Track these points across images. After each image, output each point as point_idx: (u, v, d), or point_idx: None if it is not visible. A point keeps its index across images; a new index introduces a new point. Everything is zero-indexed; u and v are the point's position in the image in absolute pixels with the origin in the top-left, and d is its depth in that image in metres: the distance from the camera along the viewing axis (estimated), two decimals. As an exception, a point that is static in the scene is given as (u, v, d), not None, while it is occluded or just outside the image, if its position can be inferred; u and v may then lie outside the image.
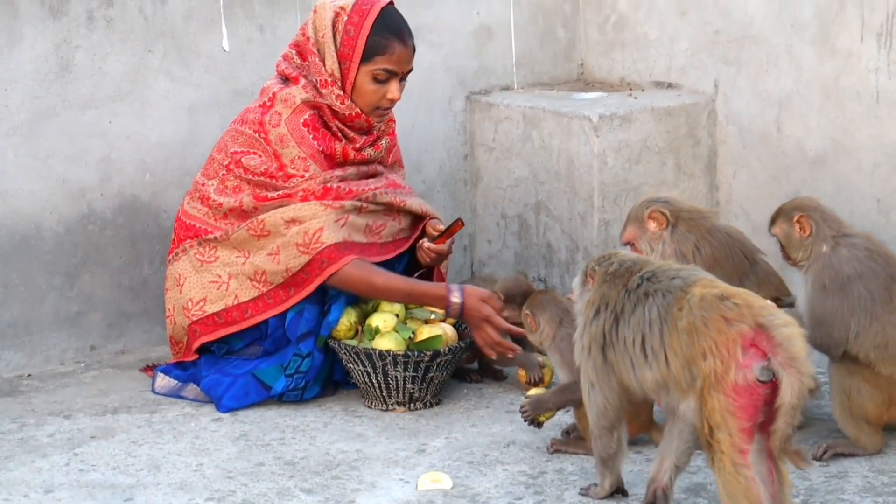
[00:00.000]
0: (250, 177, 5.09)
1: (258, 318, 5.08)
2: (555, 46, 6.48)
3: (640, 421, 4.55)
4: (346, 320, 5.01)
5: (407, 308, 5.11)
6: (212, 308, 5.12)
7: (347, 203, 5.06)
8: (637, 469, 4.48)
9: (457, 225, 5.19)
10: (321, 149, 5.10)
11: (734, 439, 3.85)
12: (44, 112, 5.37)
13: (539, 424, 4.60)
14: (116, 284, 5.56)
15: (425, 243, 5.21)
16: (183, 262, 5.16)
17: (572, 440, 4.62)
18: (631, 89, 6.32)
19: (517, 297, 5.06)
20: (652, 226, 4.65)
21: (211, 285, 5.11)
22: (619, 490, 4.26)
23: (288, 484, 4.42)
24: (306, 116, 5.10)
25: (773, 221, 4.77)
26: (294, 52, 5.18)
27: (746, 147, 5.99)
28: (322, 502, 4.29)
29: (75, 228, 5.47)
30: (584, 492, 4.28)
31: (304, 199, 5.05)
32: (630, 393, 4.10)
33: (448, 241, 5.21)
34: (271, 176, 5.08)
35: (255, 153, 5.09)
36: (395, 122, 5.38)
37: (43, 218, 5.41)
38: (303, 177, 5.06)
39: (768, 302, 4.00)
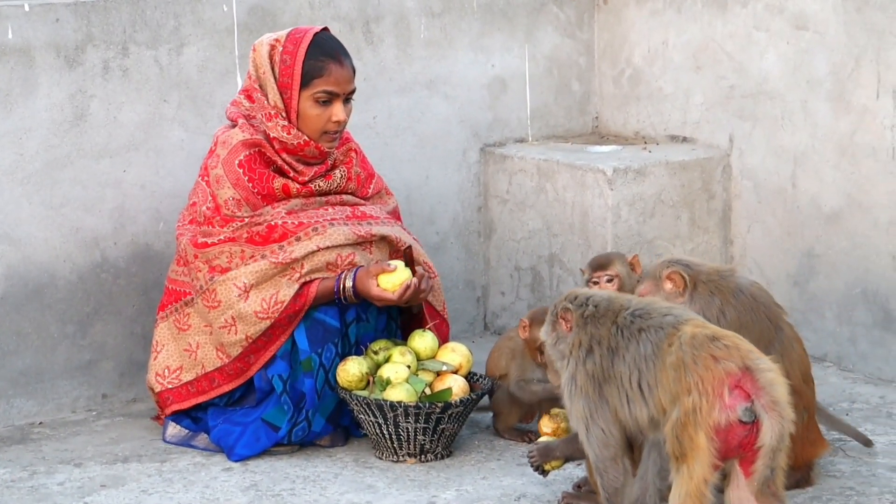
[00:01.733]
0: (195, 225, 5.12)
1: (225, 388, 5.13)
2: (570, 99, 6.49)
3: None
4: (358, 370, 5.00)
5: (419, 360, 5.10)
6: (186, 377, 5.16)
7: (298, 250, 5.03)
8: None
9: (408, 253, 5.11)
10: (255, 190, 5.10)
11: (703, 471, 3.91)
12: (58, 161, 5.39)
13: (545, 473, 4.57)
14: (129, 333, 5.55)
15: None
16: (162, 329, 5.21)
17: (584, 494, 4.59)
18: (646, 143, 6.32)
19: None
20: (668, 286, 4.62)
21: (185, 353, 5.15)
22: None
23: (298, 535, 4.40)
24: (241, 157, 5.10)
25: (605, 266, 4.95)
26: (243, 96, 5.20)
27: (761, 202, 5.98)
28: (332, 554, 4.27)
29: (88, 277, 5.48)
30: None
31: (250, 240, 5.05)
32: (626, 431, 4.11)
33: (419, 270, 5.14)
34: (209, 221, 5.09)
35: (199, 199, 5.14)
36: (357, 151, 5.32)
37: (56, 266, 5.41)
38: (241, 220, 5.07)
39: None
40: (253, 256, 5.05)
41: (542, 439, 4.69)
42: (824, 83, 5.74)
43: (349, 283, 5.01)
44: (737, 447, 3.94)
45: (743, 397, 3.90)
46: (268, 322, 5.00)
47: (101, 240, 5.49)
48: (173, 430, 5.18)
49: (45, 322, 5.41)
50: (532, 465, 4.56)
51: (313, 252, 5.04)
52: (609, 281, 4.97)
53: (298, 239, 5.06)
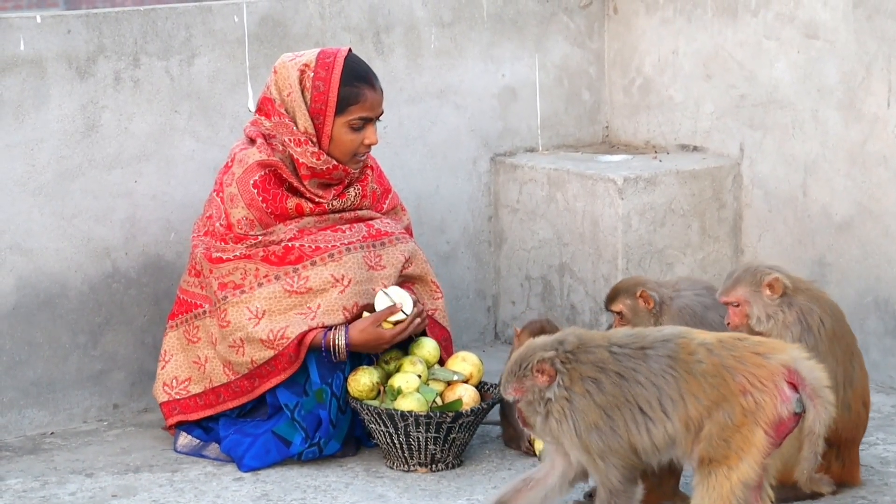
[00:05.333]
0: (210, 238, 5.12)
1: (230, 405, 5.13)
2: (580, 108, 6.49)
3: (663, 490, 4.52)
4: (369, 380, 5.00)
5: (429, 368, 5.10)
6: (195, 389, 5.17)
7: (313, 277, 5.03)
8: (660, 533, 4.45)
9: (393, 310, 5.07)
10: (269, 210, 5.09)
11: (750, 472, 3.96)
12: (70, 171, 5.40)
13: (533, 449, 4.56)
14: (140, 343, 5.56)
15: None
16: (171, 338, 5.22)
17: (592, 503, 4.58)
18: (656, 152, 6.32)
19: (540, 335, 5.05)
20: (767, 293, 4.58)
21: (194, 365, 5.16)
22: None
23: (308, 545, 4.40)
24: (257, 177, 5.09)
25: (610, 300, 4.93)
26: (261, 116, 5.18)
27: (772, 211, 5.98)
28: (342, 564, 4.27)
29: (99, 287, 5.49)
30: None
31: (266, 259, 5.05)
32: (636, 456, 4.10)
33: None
34: (222, 237, 5.10)
35: (214, 213, 5.13)
36: (374, 168, 5.31)
37: (68, 276, 5.42)
38: (255, 239, 5.07)
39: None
40: (267, 276, 5.05)
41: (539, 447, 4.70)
42: (835, 92, 5.74)
43: (340, 342, 4.99)
44: (782, 439, 3.99)
45: (793, 389, 3.96)
46: (272, 352, 5.00)
47: (113, 250, 5.50)
48: (184, 440, 5.18)
49: (56, 332, 5.42)
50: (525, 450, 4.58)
51: (328, 290, 5.03)
52: (617, 315, 4.95)
53: (314, 263, 5.05)
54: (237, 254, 5.08)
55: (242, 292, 5.05)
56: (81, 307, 5.46)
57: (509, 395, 4.21)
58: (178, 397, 5.18)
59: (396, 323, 4.99)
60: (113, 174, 5.48)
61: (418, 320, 5.04)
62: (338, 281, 5.04)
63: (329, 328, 4.99)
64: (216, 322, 5.09)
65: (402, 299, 5.03)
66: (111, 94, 5.45)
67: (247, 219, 5.09)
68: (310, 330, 4.98)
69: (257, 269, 5.06)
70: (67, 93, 5.38)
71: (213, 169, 5.54)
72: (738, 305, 4.58)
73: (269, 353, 5.00)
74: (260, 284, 5.04)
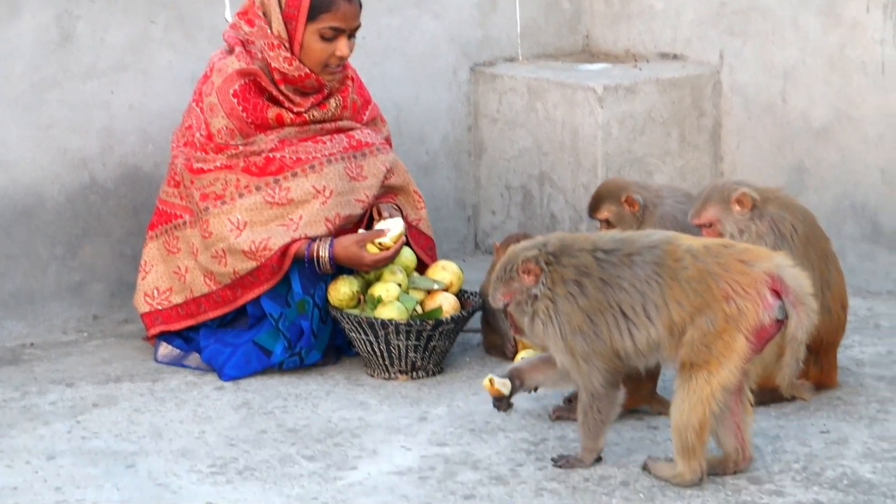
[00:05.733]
0: (190, 148, 5.10)
1: (211, 315, 5.13)
2: (560, 17, 6.46)
3: (641, 393, 4.54)
4: (349, 290, 5.00)
5: (409, 277, 5.11)
6: (176, 299, 5.17)
7: (294, 189, 5.01)
8: (639, 436, 4.47)
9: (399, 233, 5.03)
10: (249, 120, 5.07)
11: (730, 377, 3.99)
12: (45, 82, 5.36)
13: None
14: (119, 254, 5.55)
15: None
16: (151, 249, 5.21)
17: (574, 406, 4.60)
18: (636, 61, 6.30)
19: None
20: (737, 208, 4.59)
21: (174, 276, 5.15)
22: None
23: (290, 451, 4.42)
24: (236, 87, 5.07)
25: (595, 208, 4.91)
26: (242, 20, 5.15)
27: (751, 118, 5.97)
28: (324, 469, 4.29)
29: (77, 198, 5.47)
30: (565, 464, 4.25)
31: (246, 170, 5.04)
32: (619, 359, 4.12)
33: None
34: (203, 147, 5.08)
35: (194, 123, 5.11)
36: (354, 79, 5.28)
37: (45, 188, 5.40)
38: (235, 148, 5.05)
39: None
40: (248, 187, 5.03)
41: (525, 353, 4.71)
42: (814, -3, 5.72)
43: (324, 254, 4.99)
44: (764, 345, 4.01)
45: (776, 296, 3.98)
46: (255, 263, 4.99)
47: (90, 161, 5.48)
48: (165, 349, 5.19)
49: (34, 244, 5.41)
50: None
51: (309, 201, 5.02)
52: (603, 222, 4.93)
53: (295, 175, 5.04)
54: (218, 164, 5.06)
55: (224, 203, 5.04)
56: (59, 218, 5.44)
57: (499, 302, 4.22)
58: (159, 307, 5.18)
59: (382, 247, 4.97)
60: (89, 85, 5.44)
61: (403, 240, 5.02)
62: (319, 192, 5.03)
63: (313, 239, 4.99)
64: (198, 232, 5.08)
65: (393, 227, 5.00)
66: (86, 4, 5.41)
67: (227, 128, 5.07)
68: (293, 241, 4.98)
69: (238, 180, 5.05)
70: (41, 3, 5.33)
71: (190, 80, 5.51)
72: (710, 226, 4.59)
73: (252, 264, 5.00)
74: (241, 195, 5.03)
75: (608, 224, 4.91)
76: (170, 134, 5.38)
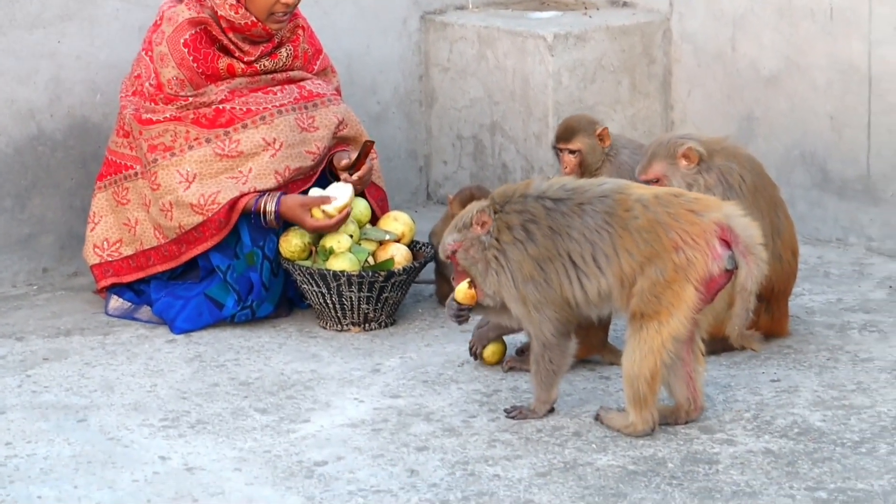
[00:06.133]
0: (139, 98, 5.06)
1: (159, 268, 5.11)
2: (509, -35, 6.43)
3: (592, 342, 4.56)
4: (301, 241, 4.99)
5: (361, 228, 5.09)
6: (126, 251, 5.14)
7: (244, 140, 4.99)
8: (591, 386, 4.50)
9: (367, 147, 5.07)
10: (200, 70, 5.04)
11: (680, 327, 4.00)
12: (-9, 32, 5.31)
13: (480, 357, 4.61)
14: (68, 206, 5.51)
15: (349, 178, 5.07)
16: (100, 199, 5.17)
17: (527, 358, 4.62)
18: (586, 8, 6.29)
19: None
20: (684, 163, 4.59)
21: (124, 227, 5.12)
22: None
23: (242, 404, 4.42)
24: (187, 36, 5.03)
25: (568, 138, 4.89)
26: None
27: (701, 66, 5.97)
28: (276, 422, 4.29)
29: (25, 150, 5.42)
30: (518, 415, 4.27)
31: (196, 121, 5.00)
32: (570, 308, 4.13)
33: (367, 164, 5.10)
34: (152, 98, 5.04)
35: (143, 72, 5.07)
36: (305, 28, 5.24)
37: (-8, 140, 5.36)
38: (185, 99, 5.02)
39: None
40: (197, 139, 5.00)
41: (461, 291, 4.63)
42: (764, -55, 5.72)
43: (271, 208, 4.96)
44: (714, 295, 4.03)
45: (725, 246, 3.99)
46: (201, 218, 4.96)
47: (37, 112, 5.43)
48: (115, 302, 5.16)
49: (-18, 196, 5.37)
50: (472, 354, 4.61)
51: (259, 154, 4.99)
52: (571, 153, 4.92)
53: (245, 126, 5.01)
54: (167, 115, 5.03)
55: (173, 155, 5.01)
56: (7, 170, 5.39)
57: (447, 250, 4.23)
58: (109, 259, 5.15)
59: (326, 214, 4.94)
60: (35, 34, 5.38)
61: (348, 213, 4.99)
62: (269, 144, 5.00)
63: (262, 193, 4.96)
64: (147, 184, 5.05)
65: (341, 195, 4.96)
66: (31, -48, 5.35)
67: (177, 79, 5.03)
68: (242, 195, 4.95)
69: (188, 132, 5.01)
70: (-14, -48, 5.27)
71: (138, 28, 5.45)
72: (657, 181, 4.60)
73: (198, 219, 4.97)
74: (191, 147, 5.00)
75: (579, 155, 4.89)
76: (118, 84, 5.33)
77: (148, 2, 5.51)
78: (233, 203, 4.94)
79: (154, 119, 5.03)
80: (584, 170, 4.88)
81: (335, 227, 4.95)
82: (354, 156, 5.10)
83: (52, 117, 5.45)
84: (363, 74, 6.11)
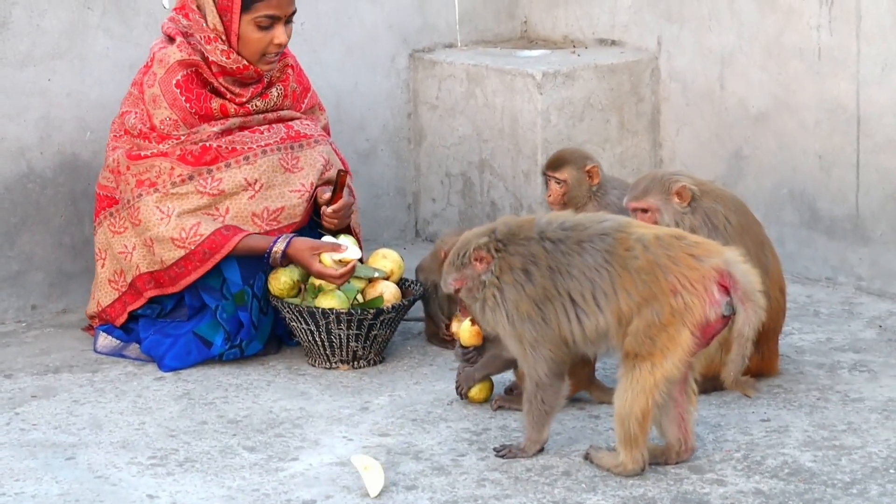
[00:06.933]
0: (129, 137, 5.07)
1: (155, 292, 5.09)
2: (498, 3, 6.46)
3: (579, 378, 4.55)
4: (289, 278, 4.99)
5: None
6: (128, 277, 5.13)
7: (226, 180, 5.00)
8: (580, 425, 4.49)
9: (342, 178, 5.07)
10: (193, 110, 5.05)
11: (674, 369, 4.01)
12: (-19, 70, 5.32)
13: (466, 397, 4.61)
14: (57, 243, 5.51)
15: (326, 210, 5.11)
16: (101, 236, 5.18)
17: (515, 397, 4.62)
18: (574, 47, 6.31)
19: None
20: (676, 201, 4.61)
21: (120, 256, 5.11)
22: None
23: (231, 442, 4.41)
24: (179, 77, 5.04)
25: (556, 167, 4.91)
26: (180, 14, 5.12)
27: (689, 104, 6.00)
28: (265, 460, 4.28)
29: (14, 187, 5.42)
30: (507, 454, 4.26)
31: (182, 158, 5.01)
32: (567, 347, 4.13)
33: (345, 194, 5.11)
34: (145, 136, 5.05)
35: (134, 112, 5.08)
36: (294, 67, 5.26)
37: (-19, 177, 5.36)
38: (178, 139, 5.02)
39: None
40: (181, 176, 5.00)
41: (465, 331, 4.65)
42: (752, -16, 5.74)
43: (280, 247, 4.96)
44: (710, 340, 4.03)
45: (724, 292, 3.98)
46: (182, 252, 4.96)
47: (27, 150, 5.43)
48: (104, 340, 5.16)
49: (-29, 234, 5.36)
50: (459, 394, 4.61)
51: (238, 194, 5.00)
52: (557, 184, 4.94)
53: (228, 165, 5.01)
54: (154, 151, 5.03)
55: (156, 191, 5.01)
56: (-4, 208, 5.40)
57: (450, 287, 4.23)
58: (123, 290, 5.13)
59: (338, 262, 4.94)
60: (25, 72, 5.39)
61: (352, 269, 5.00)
62: (250, 185, 5.01)
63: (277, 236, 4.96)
64: (130, 221, 5.05)
65: (351, 248, 4.96)
66: (21, -10, 5.36)
67: (171, 119, 5.04)
68: (243, 232, 4.95)
69: (172, 168, 5.01)
70: (-24, -11, 5.28)
71: (128, 67, 5.47)
72: (646, 212, 4.61)
73: (180, 253, 4.96)
74: (174, 184, 5.00)
75: (564, 185, 4.90)
76: (108, 122, 5.34)
77: (138, 40, 5.53)
78: (227, 238, 4.93)
79: (143, 154, 5.03)
80: (568, 202, 4.90)
81: (340, 282, 4.94)
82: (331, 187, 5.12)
83: (42, 155, 5.46)
84: (351, 112, 6.13)
